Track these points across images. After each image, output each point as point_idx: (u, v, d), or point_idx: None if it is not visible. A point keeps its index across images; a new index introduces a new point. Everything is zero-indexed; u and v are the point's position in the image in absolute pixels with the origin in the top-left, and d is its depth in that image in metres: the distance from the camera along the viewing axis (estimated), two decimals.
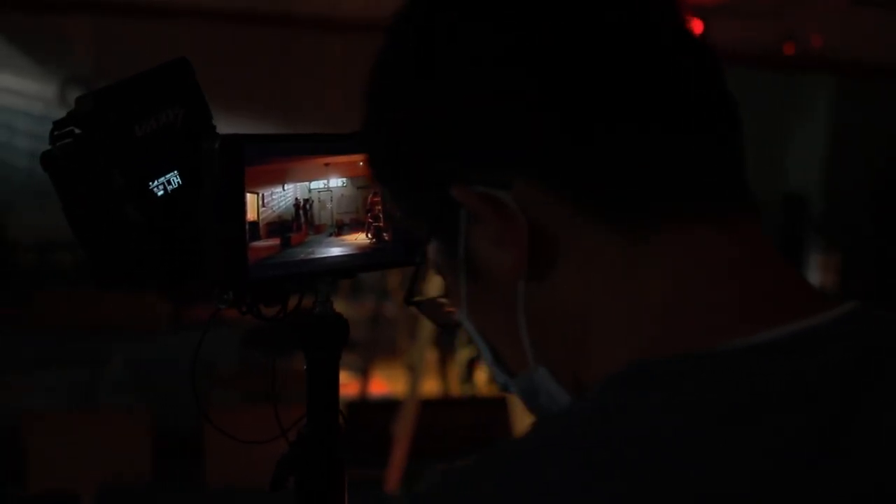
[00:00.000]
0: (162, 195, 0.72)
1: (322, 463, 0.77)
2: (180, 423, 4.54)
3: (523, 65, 0.47)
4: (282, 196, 0.73)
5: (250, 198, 0.71)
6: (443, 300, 0.60)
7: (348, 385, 4.25)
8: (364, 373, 4.49)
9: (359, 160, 0.78)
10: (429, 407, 3.99)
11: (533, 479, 0.41)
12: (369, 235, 0.79)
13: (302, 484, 0.77)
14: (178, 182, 0.73)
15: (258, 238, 0.71)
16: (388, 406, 4.32)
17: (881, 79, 5.88)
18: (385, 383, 4.76)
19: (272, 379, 0.86)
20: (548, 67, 0.47)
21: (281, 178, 0.73)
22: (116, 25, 5.13)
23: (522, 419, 3.89)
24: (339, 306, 0.81)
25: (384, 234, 0.80)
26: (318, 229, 0.75)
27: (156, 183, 0.72)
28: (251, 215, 0.71)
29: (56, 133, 0.71)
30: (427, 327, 3.73)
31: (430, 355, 4.53)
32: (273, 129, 0.87)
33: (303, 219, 0.74)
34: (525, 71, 0.47)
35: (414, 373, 3.73)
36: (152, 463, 4.07)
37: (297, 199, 0.74)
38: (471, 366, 4.75)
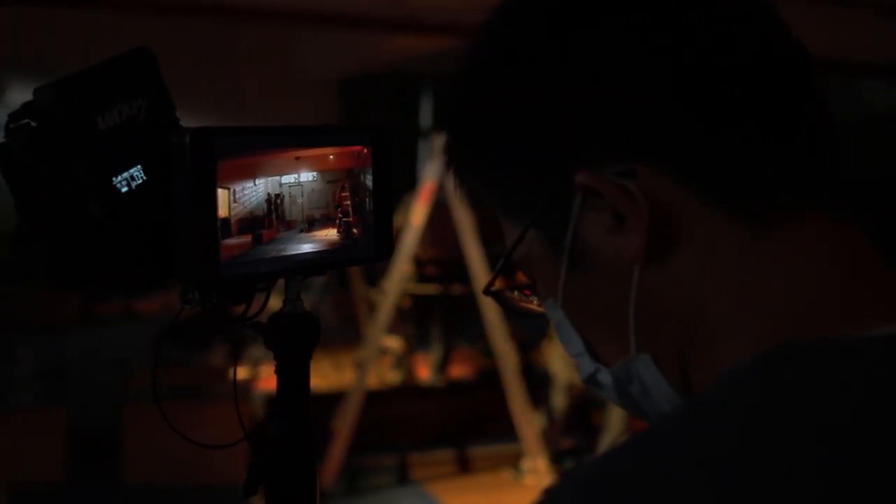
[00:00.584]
0: (126, 191, 0.69)
1: (296, 468, 0.75)
2: (96, 422, 4.44)
3: (664, 51, 0.49)
4: (253, 191, 0.71)
5: (221, 193, 0.69)
6: (511, 294, 0.61)
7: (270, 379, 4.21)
8: None
9: (329, 153, 0.76)
10: (373, 399, 3.98)
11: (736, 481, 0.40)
12: (339, 231, 0.77)
13: (273, 489, 0.75)
14: (142, 177, 0.70)
15: (229, 235, 0.69)
16: (318, 400, 4.29)
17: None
18: (326, 377, 4.73)
19: (234, 377, 0.84)
20: (688, 56, 0.49)
21: (252, 173, 0.71)
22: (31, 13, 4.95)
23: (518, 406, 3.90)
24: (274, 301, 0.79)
25: (353, 230, 0.78)
26: (288, 225, 0.74)
27: (119, 178, 0.69)
28: (222, 211, 0.69)
29: (11, 126, 0.68)
30: (381, 324, 3.72)
31: (395, 345, 4.50)
32: (222, 123, 0.85)
33: (274, 215, 0.73)
34: (665, 58, 0.49)
35: (362, 367, 3.71)
36: (66, 463, 3.96)
37: (268, 194, 0.72)
38: (446, 356, 4.75)
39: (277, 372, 0.76)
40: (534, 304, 0.60)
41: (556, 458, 4.00)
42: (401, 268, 3.74)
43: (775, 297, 0.49)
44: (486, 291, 0.61)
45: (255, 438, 0.79)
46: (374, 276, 4.62)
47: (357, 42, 5.62)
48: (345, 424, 3.67)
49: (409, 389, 4.73)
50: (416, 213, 3.66)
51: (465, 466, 4.33)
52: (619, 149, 0.50)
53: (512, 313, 0.64)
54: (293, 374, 0.77)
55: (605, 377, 0.55)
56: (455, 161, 0.57)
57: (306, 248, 0.75)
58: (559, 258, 0.52)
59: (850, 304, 0.48)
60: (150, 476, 3.84)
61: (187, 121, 0.73)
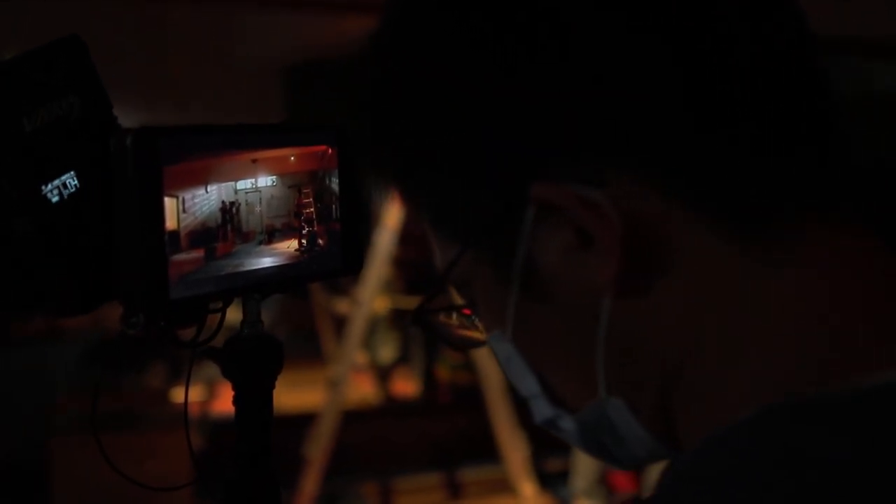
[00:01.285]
0: (57, 201, 0.67)
1: None
2: (17, 455, 4.36)
3: (652, 30, 0.44)
4: (205, 199, 0.69)
5: (169, 203, 0.66)
6: (449, 319, 0.56)
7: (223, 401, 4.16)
8: None
9: (290, 154, 0.74)
10: (350, 419, 3.94)
11: None
12: (302, 242, 0.75)
13: None
14: (75, 185, 0.68)
15: (179, 250, 0.67)
16: (284, 423, 4.24)
17: None
18: (281, 397, 4.69)
19: (184, 411, 0.82)
20: (678, 46, 0.44)
21: (204, 178, 0.69)
22: None
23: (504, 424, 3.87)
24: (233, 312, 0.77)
25: (319, 241, 0.76)
26: (246, 237, 0.72)
27: (50, 187, 0.66)
28: (170, 223, 0.66)
29: None
30: (354, 338, 3.68)
31: (361, 360, 4.46)
32: (153, 120, 0.83)
33: (229, 225, 0.70)
34: (654, 37, 0.44)
35: (336, 386, 3.67)
36: None
37: (222, 202, 0.70)
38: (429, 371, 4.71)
39: (236, 403, 0.74)
40: (477, 333, 0.56)
41: (545, 482, 4.00)
42: (375, 274, 3.71)
43: (777, 335, 0.45)
44: (418, 319, 0.55)
45: (208, 477, 0.77)
46: (336, 284, 4.58)
47: (302, 24, 5.58)
48: (318, 449, 3.63)
49: (388, 409, 4.71)
50: (391, 214, 3.63)
51: (455, 492, 4.32)
52: (584, 150, 0.45)
53: (451, 345, 0.58)
54: (254, 404, 0.74)
55: (568, 423, 0.51)
56: (381, 162, 0.52)
57: (266, 262, 0.73)
58: (508, 284, 0.48)
59: (865, 342, 0.44)
60: None
61: (116, 114, 0.71)
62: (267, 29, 5.59)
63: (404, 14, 0.50)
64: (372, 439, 4.36)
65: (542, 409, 0.52)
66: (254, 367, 0.74)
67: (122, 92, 0.72)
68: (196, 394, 4.31)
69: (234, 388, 0.74)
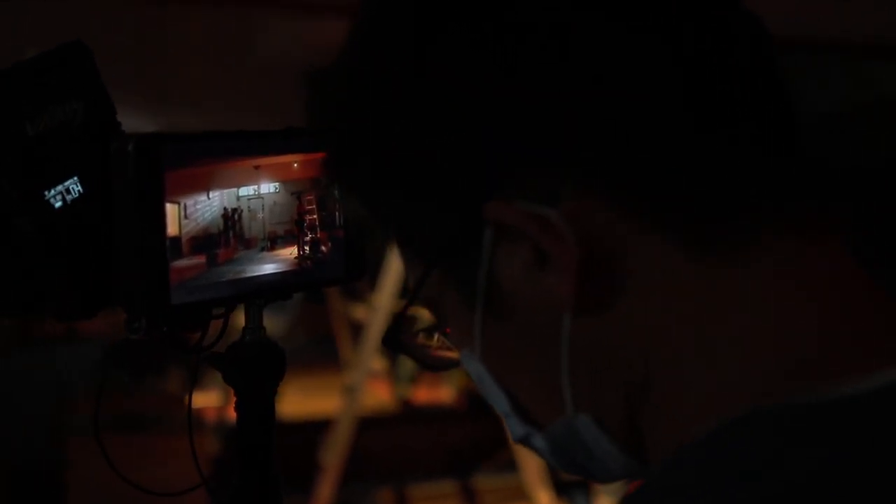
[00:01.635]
0: (60, 206, 0.67)
1: None
2: (35, 455, 4.39)
3: (589, 48, 0.44)
4: (207, 205, 0.69)
5: (170, 208, 0.67)
6: (429, 340, 0.56)
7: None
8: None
9: (292, 161, 0.74)
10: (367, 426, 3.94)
11: None
12: (305, 249, 0.75)
13: None
14: (78, 190, 0.68)
15: (180, 256, 0.67)
16: (301, 429, 4.24)
17: None
18: (297, 403, 4.69)
19: (188, 411, 0.82)
20: (622, 56, 0.44)
21: (206, 185, 0.69)
22: None
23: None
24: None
25: (321, 248, 0.77)
26: (248, 244, 0.72)
27: (53, 192, 0.67)
28: (172, 229, 0.67)
29: None
30: (371, 344, 3.69)
31: (378, 365, 4.46)
32: (170, 126, 0.83)
33: (231, 232, 0.71)
34: (595, 56, 0.44)
35: (352, 393, 3.67)
36: (2, 501, 3.91)
37: (224, 208, 0.70)
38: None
39: (238, 409, 0.75)
40: (454, 352, 0.55)
41: (561, 491, 3.98)
42: (392, 281, 3.71)
43: (743, 346, 0.44)
44: (390, 343, 0.54)
45: (214, 485, 0.77)
46: (354, 290, 4.58)
47: (320, 29, 5.60)
48: (334, 456, 3.63)
49: (404, 415, 4.70)
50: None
51: (470, 499, 4.31)
52: (536, 168, 0.45)
53: (427, 366, 0.58)
54: (256, 411, 0.75)
55: (539, 442, 0.51)
56: (341, 180, 0.52)
57: (268, 268, 0.73)
58: (472, 302, 0.48)
59: (835, 347, 0.44)
60: None
61: (130, 125, 0.71)
62: (286, 33, 5.61)
63: (357, 35, 0.50)
64: (388, 446, 4.35)
65: (515, 428, 0.52)
66: (255, 373, 0.74)
67: (138, 95, 0.72)
68: (212, 399, 4.33)
69: (236, 394, 0.74)
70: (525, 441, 0.52)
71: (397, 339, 0.55)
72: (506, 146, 0.45)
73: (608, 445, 0.49)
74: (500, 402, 0.51)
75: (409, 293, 0.51)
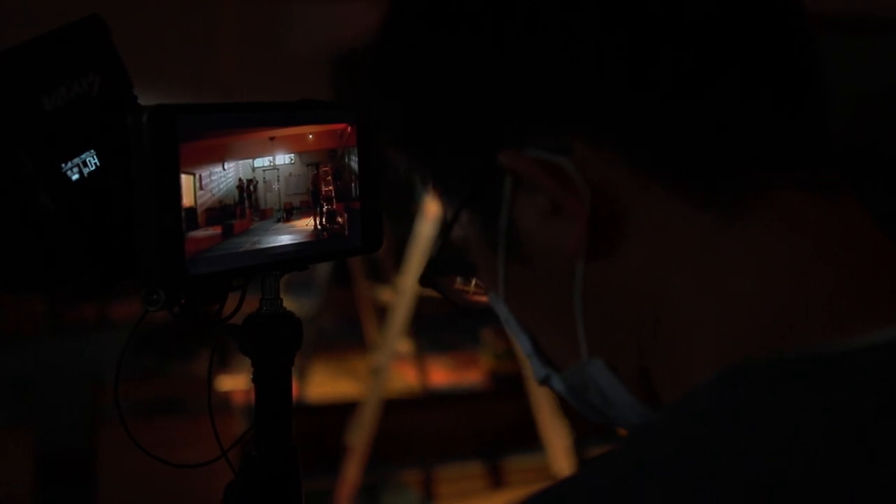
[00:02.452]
0: (77, 179, 0.68)
1: (277, 490, 0.74)
2: (67, 441, 4.43)
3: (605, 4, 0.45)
4: (222, 176, 0.70)
5: (186, 180, 0.67)
6: (463, 285, 0.59)
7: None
8: (300, 374, 4.42)
9: (308, 132, 0.75)
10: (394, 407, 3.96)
11: None
12: (322, 221, 0.76)
13: None
14: (95, 163, 0.69)
15: (196, 227, 0.68)
16: (328, 411, 4.26)
17: None
18: (324, 386, 4.71)
19: (208, 390, 0.83)
20: (631, 8, 0.45)
21: (220, 156, 0.69)
22: None
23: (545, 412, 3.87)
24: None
25: (337, 219, 0.77)
26: (264, 214, 0.72)
27: (69, 165, 0.68)
28: (187, 200, 0.67)
29: None
30: (397, 326, 3.70)
31: (405, 348, 4.47)
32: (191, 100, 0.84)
33: (247, 203, 0.71)
34: (604, 9, 0.45)
35: (378, 375, 3.69)
36: (35, 488, 3.96)
37: (240, 179, 0.70)
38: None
39: (255, 380, 0.75)
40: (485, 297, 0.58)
41: None
42: (417, 263, 3.72)
43: (745, 296, 0.45)
44: (424, 281, 0.57)
45: (234, 456, 0.77)
46: (379, 273, 4.58)
47: (349, 14, 5.60)
48: (360, 438, 3.65)
49: (427, 398, 4.72)
50: (432, 202, 3.63)
51: (497, 481, 4.33)
52: (552, 122, 0.47)
53: (458, 307, 0.61)
54: (273, 382, 0.75)
55: (558, 383, 0.53)
56: (380, 130, 0.55)
57: (284, 239, 0.74)
58: (495, 246, 0.50)
59: (837, 302, 0.44)
60: (127, 502, 3.83)
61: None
62: (314, 18, 5.61)
63: (396, 4, 0.53)
64: (414, 428, 4.37)
65: (537, 369, 0.54)
66: (271, 343, 0.75)
67: (168, 80, 0.72)
68: (240, 382, 4.36)
69: (253, 364, 0.75)
70: (545, 382, 0.54)
71: (434, 280, 0.57)
72: (521, 98, 0.47)
73: (622, 390, 0.50)
74: (523, 344, 0.54)
75: (440, 238, 0.54)
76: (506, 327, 0.54)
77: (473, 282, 0.59)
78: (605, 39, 0.45)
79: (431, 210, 3.63)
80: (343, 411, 3.92)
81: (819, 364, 0.42)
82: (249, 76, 5.52)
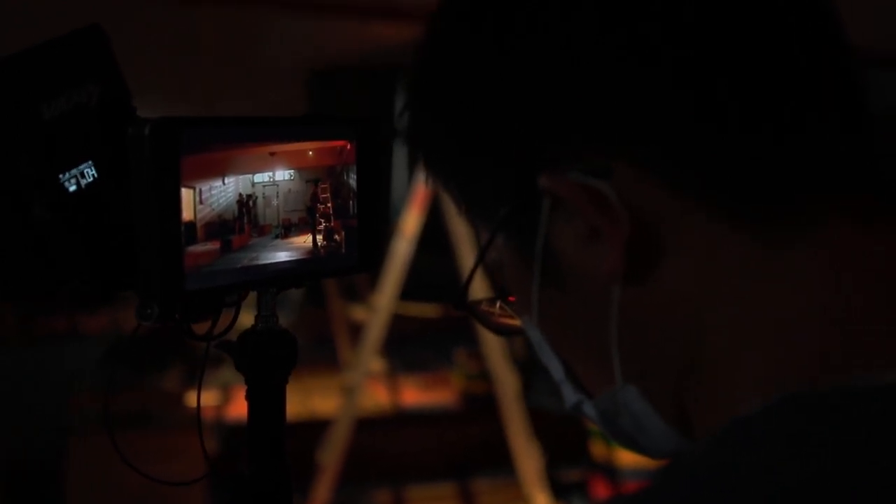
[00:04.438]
0: (74, 190, 0.67)
1: None
2: (36, 453, 4.38)
3: (652, 20, 0.45)
4: (222, 191, 0.69)
5: (186, 194, 0.66)
6: (492, 308, 0.58)
7: (237, 406, 4.16)
8: None
9: (308, 149, 0.74)
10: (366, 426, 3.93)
11: None
12: (319, 238, 0.75)
13: None
14: (93, 175, 0.68)
15: (195, 241, 0.67)
16: (299, 429, 4.23)
17: None
18: (296, 404, 4.69)
19: (198, 402, 0.82)
20: (681, 29, 0.44)
21: (221, 170, 0.68)
22: None
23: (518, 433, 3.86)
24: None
25: (335, 237, 0.76)
26: (262, 230, 0.71)
27: (67, 175, 0.67)
28: (187, 215, 0.66)
29: None
30: (372, 341, 3.69)
31: (378, 367, 4.46)
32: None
33: (245, 218, 0.70)
34: (654, 29, 0.44)
35: (351, 393, 3.67)
36: (1, 498, 3.90)
37: (239, 194, 0.70)
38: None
39: (249, 398, 0.74)
40: (516, 320, 0.57)
41: (559, 493, 3.98)
42: (392, 281, 3.71)
43: (786, 325, 0.44)
44: (460, 304, 0.57)
45: (222, 476, 0.76)
46: (354, 292, 4.57)
47: (329, 30, 5.60)
48: (332, 456, 3.62)
49: (398, 417, 4.70)
50: (409, 221, 3.62)
51: (468, 502, 4.31)
52: (594, 144, 0.46)
53: (492, 330, 0.61)
54: (267, 399, 0.74)
55: (590, 409, 0.52)
56: (416, 148, 0.54)
57: (282, 256, 0.73)
58: (530, 270, 0.50)
59: (877, 339, 0.43)
60: None
61: (141, 112, 0.71)
62: (292, 33, 5.61)
63: (436, 20, 0.53)
64: (386, 447, 4.35)
65: (568, 395, 0.53)
66: (267, 360, 0.74)
67: (145, 93, 0.72)
68: (211, 398, 4.32)
69: (247, 381, 0.74)
70: (576, 409, 0.53)
71: (465, 303, 0.57)
72: (562, 120, 0.46)
73: (655, 418, 0.49)
74: (555, 369, 0.53)
75: (476, 261, 0.53)
76: (537, 352, 0.53)
77: (498, 304, 0.59)
78: (650, 64, 0.45)
79: (408, 228, 3.62)
80: (315, 429, 3.89)
81: (868, 399, 0.41)
82: (227, 90, 5.51)
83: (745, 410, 0.43)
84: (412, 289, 3.74)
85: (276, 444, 0.74)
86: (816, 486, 0.39)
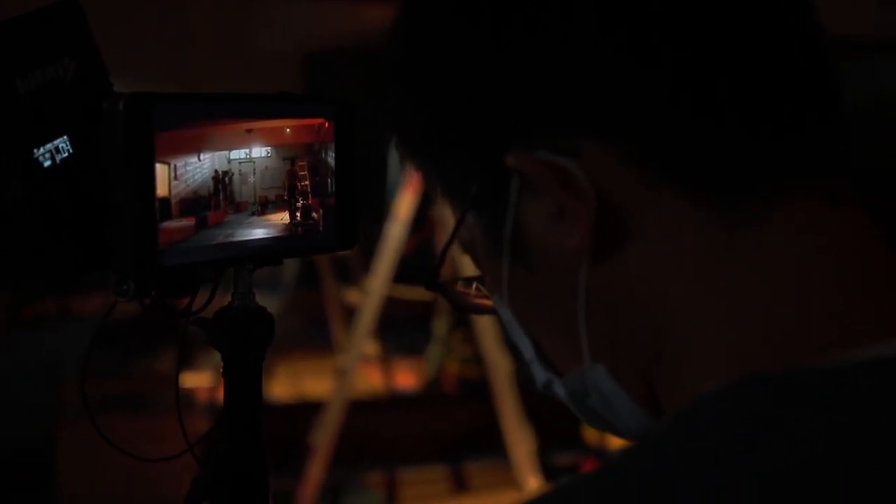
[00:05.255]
0: (49, 166, 0.67)
1: (245, 484, 0.73)
2: (25, 439, 4.38)
3: (616, 3, 0.45)
4: (197, 167, 0.69)
5: (160, 169, 0.66)
6: (467, 288, 0.59)
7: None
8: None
9: (285, 126, 0.74)
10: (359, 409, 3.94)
11: None
12: (297, 216, 0.75)
13: None
14: (68, 150, 0.68)
15: (169, 217, 0.67)
16: (290, 411, 4.24)
17: None
18: (287, 386, 4.70)
19: (175, 384, 0.82)
20: (646, 10, 0.45)
21: (196, 147, 0.68)
22: None
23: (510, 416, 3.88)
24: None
25: (313, 214, 0.76)
26: (238, 207, 0.72)
27: (42, 151, 0.66)
28: (161, 190, 0.66)
29: None
30: (364, 327, 3.69)
31: (371, 350, 4.47)
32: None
33: (221, 195, 0.70)
34: (617, 10, 0.45)
35: (344, 375, 3.67)
36: None
37: (215, 171, 0.70)
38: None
39: (225, 374, 0.74)
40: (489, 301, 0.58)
41: (551, 476, 3.99)
42: (386, 264, 3.71)
43: (754, 306, 0.45)
44: (430, 284, 0.57)
45: (200, 451, 0.77)
46: (347, 274, 4.57)
47: (322, 12, 5.59)
48: (324, 439, 3.63)
49: (394, 399, 4.71)
50: (402, 204, 3.63)
51: (461, 484, 4.32)
52: (561, 123, 0.46)
53: (462, 309, 0.61)
54: (243, 376, 0.74)
55: (559, 388, 0.53)
56: (391, 127, 0.54)
57: (258, 233, 0.73)
58: (500, 249, 0.50)
59: (846, 315, 0.44)
60: (86, 497, 3.79)
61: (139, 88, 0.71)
62: (287, 17, 5.60)
63: (405, 7, 0.53)
64: (378, 430, 4.36)
65: (538, 375, 0.54)
66: (242, 338, 0.74)
67: (140, 78, 0.72)
68: (203, 380, 4.33)
69: (223, 358, 0.74)
70: (547, 388, 0.53)
71: (438, 282, 0.57)
72: (529, 98, 0.47)
73: (624, 398, 0.49)
74: (525, 348, 0.53)
75: (446, 240, 0.53)
76: (508, 331, 0.54)
77: (475, 285, 0.59)
78: (617, 44, 0.45)
79: (401, 211, 3.62)
80: (306, 412, 3.90)
81: (829, 377, 0.41)
82: (221, 69, 5.49)
83: (705, 392, 0.43)
84: (405, 271, 3.74)
85: (253, 421, 0.74)
86: (762, 470, 0.39)
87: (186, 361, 4.15)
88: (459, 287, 0.60)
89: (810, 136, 0.47)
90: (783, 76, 0.46)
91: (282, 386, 4.63)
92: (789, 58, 0.47)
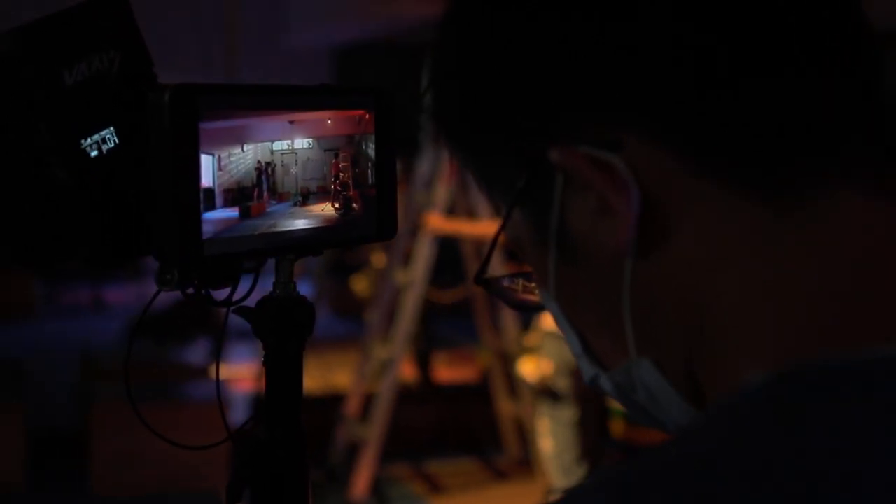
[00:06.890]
0: (96, 156, 0.67)
1: (285, 470, 0.74)
2: (60, 422, 4.43)
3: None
4: (241, 158, 0.69)
5: (205, 160, 0.67)
6: (512, 284, 0.59)
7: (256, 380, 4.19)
8: None
9: (327, 117, 0.74)
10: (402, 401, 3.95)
11: None
12: (337, 206, 0.75)
13: (260, 495, 0.74)
14: (114, 141, 0.68)
15: (214, 207, 0.68)
16: (324, 403, 4.26)
17: None
18: (319, 378, 4.71)
19: (217, 372, 0.83)
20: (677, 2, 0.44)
21: (240, 138, 0.69)
22: None
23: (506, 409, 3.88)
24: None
25: (353, 205, 0.77)
26: (280, 198, 0.72)
27: (89, 141, 0.67)
28: (206, 181, 0.67)
29: None
30: (409, 315, 3.69)
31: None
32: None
33: (264, 186, 0.71)
34: (655, 7, 0.45)
35: (390, 367, 3.68)
36: (26, 469, 3.95)
37: (258, 162, 0.70)
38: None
39: (266, 363, 0.75)
40: (536, 296, 0.58)
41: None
42: (424, 254, 3.71)
43: (799, 297, 0.44)
44: (478, 280, 0.57)
45: (239, 439, 0.77)
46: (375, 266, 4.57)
47: (351, 6, 5.60)
48: (374, 432, 3.64)
49: (425, 392, 4.72)
50: (439, 195, 3.63)
51: (498, 475, 4.33)
52: (603, 118, 0.46)
53: (510, 306, 0.61)
54: (284, 365, 0.75)
55: (606, 383, 0.52)
56: (437, 125, 0.54)
57: (300, 224, 0.73)
58: (546, 244, 0.49)
59: (883, 312, 0.43)
60: (118, 483, 3.83)
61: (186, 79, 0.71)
62: (318, 11, 5.61)
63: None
64: (409, 423, 4.38)
65: (586, 369, 0.53)
66: (284, 326, 0.74)
67: (171, 72, 0.72)
68: (241, 372, 4.35)
69: (265, 347, 0.75)
70: (594, 383, 0.53)
71: (485, 279, 0.57)
72: (573, 94, 0.47)
73: (669, 391, 0.49)
74: (573, 343, 0.53)
75: (493, 237, 0.53)
76: (557, 326, 0.54)
77: (521, 281, 0.59)
78: (671, 36, 0.45)
79: (439, 202, 3.63)
80: (333, 404, 3.92)
81: (877, 368, 0.41)
82: (252, 67, 5.51)
83: (750, 383, 0.43)
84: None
85: (293, 409, 0.75)
86: (808, 461, 0.39)
87: (222, 348, 4.17)
88: (506, 283, 0.60)
89: (854, 124, 0.46)
90: (827, 66, 0.46)
91: (309, 378, 4.65)
92: (831, 46, 0.46)
